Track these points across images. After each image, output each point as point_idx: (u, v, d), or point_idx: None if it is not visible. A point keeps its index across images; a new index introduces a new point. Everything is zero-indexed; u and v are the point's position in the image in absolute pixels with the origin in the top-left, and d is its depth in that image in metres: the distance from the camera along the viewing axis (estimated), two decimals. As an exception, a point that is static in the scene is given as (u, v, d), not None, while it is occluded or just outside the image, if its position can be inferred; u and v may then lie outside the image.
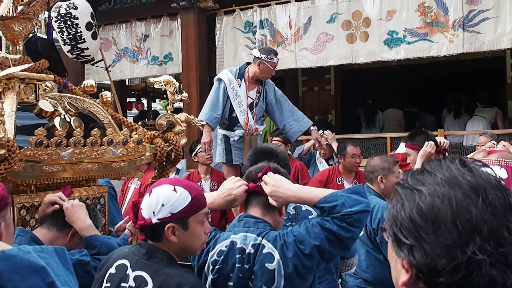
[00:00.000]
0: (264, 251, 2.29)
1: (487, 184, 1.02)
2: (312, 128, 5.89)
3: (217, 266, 2.35)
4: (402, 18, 7.76)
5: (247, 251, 2.32)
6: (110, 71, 5.72)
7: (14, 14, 2.79)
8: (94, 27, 4.04)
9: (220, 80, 5.73)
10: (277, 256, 2.30)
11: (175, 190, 2.10)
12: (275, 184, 2.36)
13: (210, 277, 2.39)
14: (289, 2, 8.44)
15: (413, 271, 1.03)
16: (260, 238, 2.33)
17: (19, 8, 2.80)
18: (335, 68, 10.84)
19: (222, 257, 2.34)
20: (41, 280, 1.24)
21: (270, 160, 2.80)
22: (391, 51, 7.86)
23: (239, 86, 5.73)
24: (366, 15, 7.97)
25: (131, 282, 2.06)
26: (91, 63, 4.75)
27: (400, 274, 1.07)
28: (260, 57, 5.56)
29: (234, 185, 2.45)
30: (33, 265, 1.25)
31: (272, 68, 5.65)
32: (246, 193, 2.45)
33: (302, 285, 2.35)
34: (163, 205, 2.07)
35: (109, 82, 10.85)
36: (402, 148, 4.64)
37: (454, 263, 0.97)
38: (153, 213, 2.07)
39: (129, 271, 2.08)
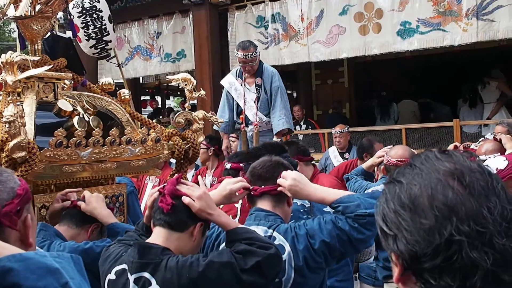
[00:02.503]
0: (275, 242, 2.31)
1: (465, 168, 1.03)
2: (274, 139, 5.76)
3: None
4: (414, 8, 7.69)
5: None
6: (123, 67, 5.75)
7: (33, 13, 2.81)
8: (113, 19, 4.06)
9: (223, 85, 5.96)
10: (287, 247, 2.32)
11: None
12: (295, 178, 2.40)
13: None
14: (301, -5, 8.42)
15: (400, 263, 1.05)
16: (271, 230, 2.36)
17: (38, 7, 2.82)
18: (348, 61, 10.78)
19: None
20: (56, 281, 1.27)
21: (281, 154, 2.86)
22: (405, 42, 7.79)
23: (240, 85, 5.81)
24: (379, 6, 7.91)
25: (132, 286, 2.06)
26: (106, 59, 4.78)
27: (393, 270, 1.08)
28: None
29: (230, 181, 2.50)
30: (48, 267, 1.28)
31: (240, 63, 5.76)
32: (246, 190, 2.48)
33: (313, 279, 2.37)
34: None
35: (122, 80, 10.91)
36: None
37: (433, 247, 0.98)
38: None
39: (128, 275, 2.09)
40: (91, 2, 3.87)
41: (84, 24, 3.88)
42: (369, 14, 7.98)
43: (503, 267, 0.98)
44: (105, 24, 3.89)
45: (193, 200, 2.13)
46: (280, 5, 8.61)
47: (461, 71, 11.86)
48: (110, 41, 3.94)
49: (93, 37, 3.91)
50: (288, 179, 2.41)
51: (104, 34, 3.90)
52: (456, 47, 7.77)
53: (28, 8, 2.73)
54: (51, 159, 2.52)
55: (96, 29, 3.89)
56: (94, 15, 3.87)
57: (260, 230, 2.35)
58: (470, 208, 0.99)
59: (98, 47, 3.94)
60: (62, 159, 2.56)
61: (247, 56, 5.65)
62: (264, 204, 2.46)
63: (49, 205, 2.68)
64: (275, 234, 2.35)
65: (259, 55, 5.81)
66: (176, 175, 2.29)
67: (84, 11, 3.70)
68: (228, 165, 3.63)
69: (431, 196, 1.01)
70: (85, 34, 3.90)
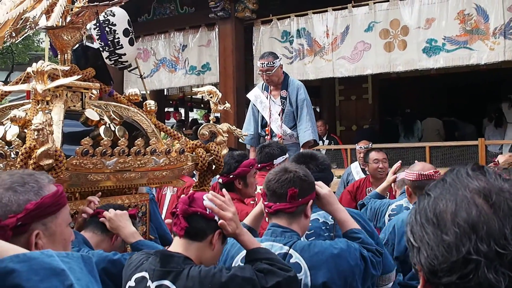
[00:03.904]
0: (292, 261, 2.31)
1: (494, 187, 1.01)
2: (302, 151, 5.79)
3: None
4: (441, 26, 7.66)
5: None
6: (144, 78, 5.81)
7: (64, 24, 2.86)
8: (131, 33, 4.12)
9: (249, 99, 6.05)
10: (304, 266, 2.31)
11: None
12: (330, 190, 2.52)
13: None
14: (326, 11, 8.43)
15: (423, 275, 1.05)
16: (287, 247, 2.35)
17: (68, 18, 2.88)
18: (372, 77, 10.75)
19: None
20: (60, 283, 1.26)
21: (311, 162, 2.86)
22: (430, 60, 7.76)
23: (266, 98, 5.86)
24: (404, 24, 7.89)
25: None
26: (128, 69, 4.85)
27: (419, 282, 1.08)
28: None
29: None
30: (53, 268, 1.27)
31: (259, 73, 5.87)
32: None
33: None
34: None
35: (148, 92, 10.98)
36: None
37: (449, 263, 0.98)
38: None
39: (149, 282, 2.10)
40: (105, 16, 3.95)
41: (98, 36, 3.98)
42: (394, 31, 7.96)
43: None
44: (118, 38, 3.96)
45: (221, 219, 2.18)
46: (305, 20, 8.64)
47: (486, 89, 11.75)
48: (125, 54, 4.01)
49: (106, 49, 3.99)
50: (324, 188, 2.52)
51: (117, 47, 3.96)
52: (483, 65, 7.71)
53: (59, 19, 2.78)
54: (77, 167, 2.55)
55: (109, 42, 3.96)
56: (107, 28, 3.95)
57: (276, 247, 2.36)
58: (493, 228, 0.97)
59: (112, 59, 4.01)
60: (88, 168, 2.59)
61: (263, 65, 5.72)
62: (280, 221, 2.44)
63: (73, 213, 2.71)
64: (291, 251, 2.35)
65: (280, 66, 5.84)
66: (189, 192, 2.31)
67: (97, 24, 3.77)
68: (220, 180, 3.66)
69: (455, 212, 1.00)
70: (100, 45, 3.99)
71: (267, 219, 2.58)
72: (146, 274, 2.12)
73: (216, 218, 2.15)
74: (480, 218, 0.98)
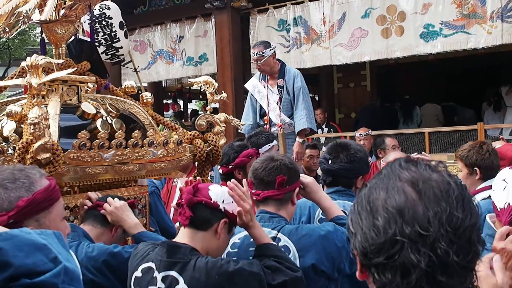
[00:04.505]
0: (280, 244, 2.36)
1: (422, 176, 1.13)
2: (297, 139, 5.81)
3: (233, 249, 2.40)
4: (438, 10, 7.62)
5: None
6: (139, 71, 5.80)
7: (57, 18, 2.85)
8: (125, 26, 4.11)
9: (247, 89, 6.08)
10: (293, 248, 2.34)
11: None
12: (313, 181, 2.59)
13: None
14: (323, -2, 8.40)
15: (358, 259, 1.16)
16: (275, 232, 2.40)
17: (62, 11, 2.87)
18: (370, 64, 10.74)
19: (236, 249, 2.39)
20: (45, 256, 1.29)
21: (342, 152, 2.90)
22: (428, 45, 7.73)
23: (264, 87, 5.87)
24: (401, 9, 7.85)
25: (160, 284, 2.08)
26: (122, 64, 4.84)
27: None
28: None
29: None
30: (35, 243, 1.29)
31: (252, 62, 5.86)
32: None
33: (317, 282, 2.38)
34: (233, 202, 2.18)
35: (145, 84, 10.98)
36: None
37: (378, 245, 1.09)
38: (223, 201, 2.16)
39: (155, 273, 2.11)
40: (100, 10, 3.93)
41: (94, 31, 3.96)
42: (391, 17, 7.93)
43: (439, 269, 1.06)
44: (115, 31, 3.95)
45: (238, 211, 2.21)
46: (302, 8, 8.60)
47: (485, 74, 11.73)
48: (121, 47, 4.00)
49: (103, 44, 3.96)
50: (307, 177, 2.58)
51: (114, 40, 3.96)
52: (480, 50, 7.68)
53: (52, 13, 2.77)
54: (74, 160, 2.55)
55: (106, 36, 3.94)
56: (103, 22, 3.93)
57: (265, 231, 2.39)
58: (418, 212, 1.08)
59: (109, 53, 4.00)
60: (86, 161, 2.59)
61: (254, 54, 5.78)
62: (268, 207, 2.50)
63: (72, 206, 2.71)
64: (279, 235, 2.40)
65: (273, 56, 5.83)
66: (193, 181, 2.30)
67: (94, 18, 3.75)
68: (220, 171, 3.67)
69: (385, 199, 1.12)
70: (96, 40, 3.96)
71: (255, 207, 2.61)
72: (152, 265, 2.13)
73: (221, 207, 2.16)
74: (406, 203, 1.09)
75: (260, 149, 4.26)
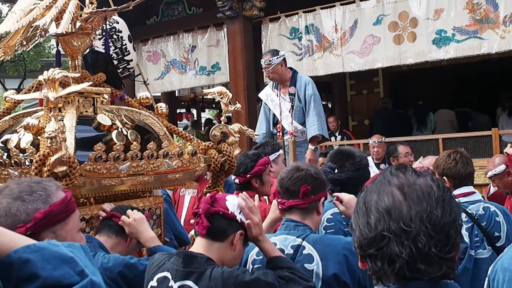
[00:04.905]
0: (304, 252, 2.38)
1: (408, 181, 1.36)
2: (309, 147, 5.83)
3: (256, 265, 2.43)
4: (450, 16, 7.59)
5: (286, 251, 2.42)
6: (148, 84, 5.84)
7: (73, 30, 2.88)
8: (132, 39, 4.15)
9: (261, 98, 6.17)
10: (316, 257, 2.35)
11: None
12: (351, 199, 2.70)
13: None
14: (334, 6, 8.39)
15: (358, 251, 1.39)
16: (300, 240, 2.42)
17: (78, 24, 2.90)
18: (383, 71, 10.71)
19: (261, 256, 2.40)
20: (72, 269, 1.31)
21: (347, 161, 2.93)
22: (440, 51, 7.70)
23: (276, 96, 5.90)
24: (413, 15, 7.83)
25: None
26: (130, 78, 4.88)
27: None
28: None
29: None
30: (63, 256, 1.32)
31: (264, 71, 5.95)
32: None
33: None
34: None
35: (158, 94, 11.02)
36: None
37: (370, 239, 1.33)
38: (239, 212, 2.18)
39: (171, 283, 2.12)
40: (110, 24, 3.96)
41: (104, 45, 4.00)
42: (403, 23, 7.91)
43: (419, 259, 1.28)
44: (125, 44, 3.99)
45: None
46: (313, 16, 8.61)
47: (499, 79, 11.65)
48: (131, 60, 4.04)
49: (115, 58, 3.99)
50: (347, 196, 2.70)
51: (125, 53, 3.99)
52: (494, 54, 7.64)
53: (69, 25, 2.80)
54: (90, 173, 2.57)
55: (117, 49, 3.98)
56: (114, 36, 3.97)
57: (290, 239, 2.43)
58: (403, 212, 1.30)
59: (120, 67, 4.03)
60: (101, 173, 2.61)
61: (262, 63, 5.86)
62: (293, 216, 2.54)
63: (88, 217, 2.73)
64: (304, 243, 2.42)
65: (281, 64, 5.87)
66: (211, 193, 2.31)
67: (104, 33, 3.79)
68: (236, 180, 3.68)
69: (377, 201, 1.35)
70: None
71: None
72: (168, 274, 2.15)
73: (238, 218, 2.18)
74: (393, 204, 1.32)
75: None
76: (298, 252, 2.43)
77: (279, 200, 2.57)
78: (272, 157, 4.32)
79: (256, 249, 2.42)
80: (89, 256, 1.41)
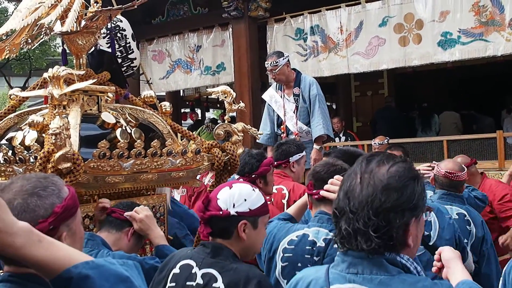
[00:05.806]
0: (335, 246, 2.37)
1: (368, 169, 1.64)
2: (314, 146, 5.84)
3: (286, 254, 2.49)
4: (455, 18, 7.58)
5: (318, 244, 2.50)
6: (151, 83, 5.86)
7: (78, 29, 2.90)
8: (136, 37, 4.16)
9: (264, 99, 6.20)
10: None
11: (253, 189, 2.28)
12: None
13: (280, 264, 2.53)
14: (340, 7, 8.39)
15: None
16: (332, 234, 2.42)
17: (83, 22, 2.92)
18: (388, 72, 10.70)
19: (293, 246, 2.44)
20: None
21: (352, 161, 2.97)
22: (446, 53, 7.69)
23: (280, 97, 5.92)
24: (419, 17, 7.83)
25: (199, 280, 2.14)
26: (133, 77, 4.89)
27: None
28: None
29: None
30: (120, 275, 1.36)
31: (269, 73, 5.98)
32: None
33: None
34: (245, 199, 2.21)
35: (163, 94, 11.03)
36: None
37: (337, 211, 1.66)
38: (233, 205, 2.19)
39: (195, 269, 2.16)
40: (114, 22, 3.96)
41: (109, 44, 4.01)
42: (409, 25, 7.91)
43: (358, 234, 1.57)
44: (129, 42, 4.00)
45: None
46: (319, 17, 8.61)
47: (504, 81, 11.63)
48: (135, 58, 4.05)
49: (119, 56, 4.00)
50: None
51: (129, 52, 4.01)
52: (499, 57, 7.62)
53: (74, 24, 2.82)
54: (94, 170, 2.58)
55: (121, 48, 3.99)
56: (118, 34, 3.98)
57: (322, 233, 2.50)
58: (355, 195, 1.60)
59: (124, 65, 4.04)
60: (105, 170, 2.62)
61: (268, 65, 5.88)
62: (327, 208, 2.58)
63: (92, 215, 2.75)
64: None
65: (287, 64, 5.90)
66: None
67: (108, 31, 3.81)
68: (241, 180, 3.69)
69: (344, 183, 1.67)
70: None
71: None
72: (192, 262, 2.20)
73: (232, 213, 2.19)
74: (350, 187, 1.63)
75: (290, 158, 4.28)
76: (329, 247, 2.49)
77: (312, 191, 2.64)
78: (295, 157, 4.32)
79: (288, 238, 2.49)
80: (141, 276, 1.48)
